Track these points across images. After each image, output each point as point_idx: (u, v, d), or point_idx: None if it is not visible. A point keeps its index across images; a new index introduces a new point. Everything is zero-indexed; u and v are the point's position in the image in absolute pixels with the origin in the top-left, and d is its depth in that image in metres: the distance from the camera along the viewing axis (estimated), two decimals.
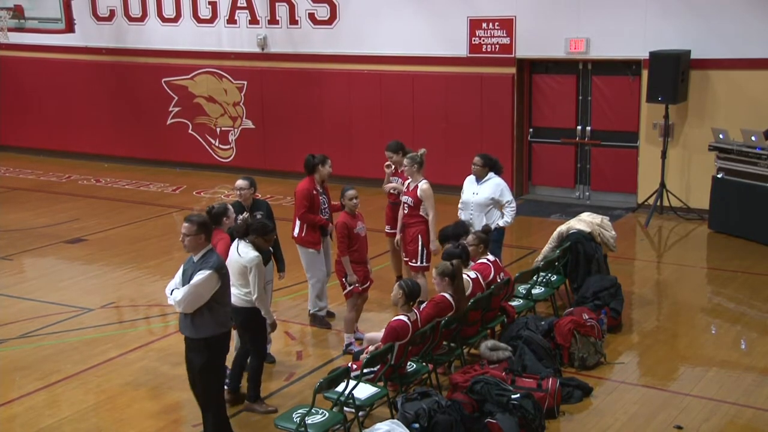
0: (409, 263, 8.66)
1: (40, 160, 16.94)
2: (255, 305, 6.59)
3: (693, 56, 11.99)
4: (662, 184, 12.23)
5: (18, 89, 17.30)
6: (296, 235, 8.46)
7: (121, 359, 7.93)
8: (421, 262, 8.57)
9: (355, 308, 7.95)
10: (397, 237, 8.85)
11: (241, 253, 6.60)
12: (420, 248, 8.57)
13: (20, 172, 16.18)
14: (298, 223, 8.42)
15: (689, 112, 12.25)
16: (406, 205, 8.64)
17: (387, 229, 9.43)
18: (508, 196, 8.66)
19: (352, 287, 7.83)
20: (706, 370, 7.58)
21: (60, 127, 16.97)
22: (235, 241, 6.72)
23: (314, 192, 8.34)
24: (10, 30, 15.23)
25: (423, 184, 8.54)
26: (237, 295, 6.55)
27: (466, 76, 13.47)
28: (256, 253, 6.59)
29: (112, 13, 16.12)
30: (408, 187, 8.70)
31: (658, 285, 10.15)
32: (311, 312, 8.66)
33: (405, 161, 8.65)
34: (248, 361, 6.94)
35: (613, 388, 7.22)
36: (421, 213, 8.56)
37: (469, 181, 8.82)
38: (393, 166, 9.20)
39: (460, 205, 8.88)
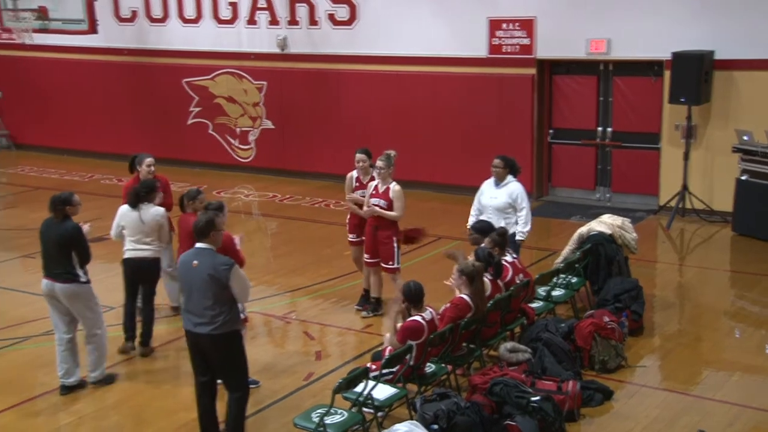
0: (383, 265, 8.59)
1: (63, 159, 17.09)
2: (159, 256, 7.89)
3: (717, 57, 11.87)
4: (684, 186, 12.12)
5: (42, 89, 17.46)
6: None
7: (139, 357, 7.97)
8: (397, 264, 8.54)
9: None
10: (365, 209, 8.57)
11: (149, 215, 7.79)
12: (395, 250, 8.52)
13: (43, 172, 16.33)
14: None
15: (712, 113, 12.13)
16: (377, 207, 8.47)
17: (351, 237, 9.05)
18: (523, 203, 8.51)
19: None
20: (730, 374, 7.50)
21: (82, 126, 17.10)
22: (132, 212, 7.80)
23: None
24: (34, 31, 15.39)
25: (395, 186, 8.46)
26: (150, 249, 7.84)
27: (485, 76, 13.42)
28: (161, 208, 7.91)
29: (134, 14, 16.23)
30: (377, 189, 8.54)
31: (680, 288, 10.06)
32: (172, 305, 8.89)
33: (381, 162, 8.44)
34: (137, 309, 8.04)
35: (635, 392, 7.16)
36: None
37: (488, 185, 8.72)
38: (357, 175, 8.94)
39: (474, 211, 8.72)
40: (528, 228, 8.55)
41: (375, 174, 8.60)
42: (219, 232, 6.14)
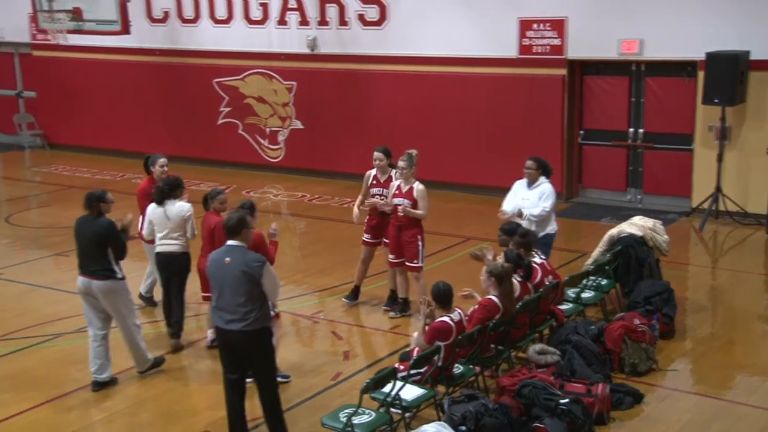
0: (408, 264, 8.58)
1: (95, 158, 17.29)
2: (187, 250, 8.01)
3: (752, 57, 11.69)
4: (718, 188, 11.97)
5: (75, 89, 17.69)
6: (139, 231, 8.74)
7: (172, 355, 8.04)
8: (421, 262, 8.56)
9: None
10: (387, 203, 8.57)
11: (174, 210, 7.99)
12: (420, 249, 8.53)
13: (76, 171, 16.54)
14: (140, 220, 8.70)
15: (747, 114, 11.95)
16: (400, 207, 8.45)
17: (366, 237, 9.02)
18: (546, 201, 8.40)
19: None
20: (763, 379, 7.38)
21: (115, 126, 17.30)
22: (158, 209, 8.03)
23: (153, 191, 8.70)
24: (68, 32, 15.57)
25: (419, 185, 8.47)
26: (177, 243, 8.02)
27: (515, 77, 13.36)
28: (187, 204, 8.10)
29: (166, 14, 16.39)
30: (400, 188, 8.53)
31: (713, 291, 9.93)
32: (143, 294, 9.09)
33: (403, 162, 8.45)
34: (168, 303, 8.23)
35: (666, 396, 7.07)
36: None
37: (520, 185, 8.62)
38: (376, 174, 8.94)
39: (508, 205, 8.60)
40: (536, 215, 8.31)
41: (398, 174, 8.58)
42: (250, 230, 6.20)
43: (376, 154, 8.84)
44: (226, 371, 6.24)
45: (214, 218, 7.72)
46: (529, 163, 8.56)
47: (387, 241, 8.86)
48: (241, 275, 5.95)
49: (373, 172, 8.93)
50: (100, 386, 7.32)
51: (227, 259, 6.02)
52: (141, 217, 8.63)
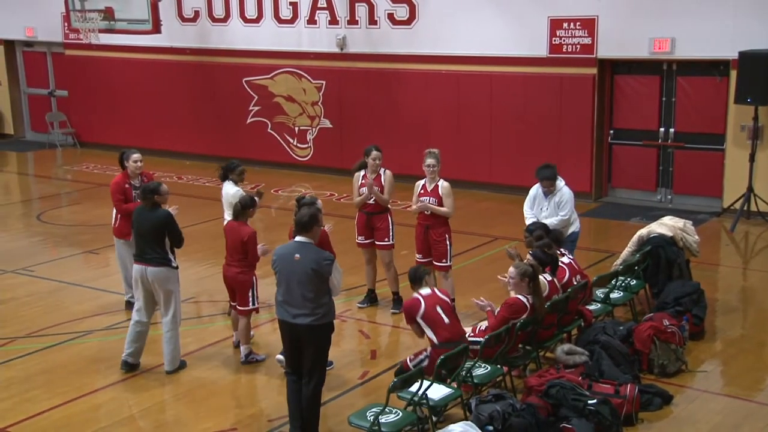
0: (436, 263, 8.57)
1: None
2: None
3: None
4: (750, 188, 11.81)
5: (106, 88, 17.91)
6: (113, 226, 8.95)
7: (200, 353, 8.11)
8: (449, 261, 8.58)
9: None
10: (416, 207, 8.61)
11: (227, 192, 8.62)
12: (448, 247, 8.55)
13: (107, 169, 16.70)
14: (113, 214, 8.91)
15: None
16: (422, 204, 8.50)
17: (360, 240, 9.07)
18: (564, 209, 8.45)
19: (257, 305, 7.89)
20: None
21: (145, 125, 17.47)
22: (221, 185, 8.72)
23: (126, 186, 8.81)
24: (100, 31, 15.76)
25: (444, 183, 8.53)
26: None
27: (545, 76, 13.29)
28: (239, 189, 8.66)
29: (197, 14, 16.53)
30: (425, 187, 8.56)
31: (744, 292, 9.81)
32: (127, 299, 8.98)
33: (432, 160, 8.49)
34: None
35: (695, 397, 7.00)
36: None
37: (539, 193, 8.64)
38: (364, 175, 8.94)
39: (528, 213, 8.65)
40: (554, 225, 8.33)
41: (427, 172, 8.56)
42: (320, 227, 6.32)
43: (376, 153, 8.84)
44: (288, 365, 6.31)
45: (245, 230, 7.72)
46: (544, 182, 8.56)
47: (379, 243, 8.93)
48: (312, 273, 6.06)
49: (362, 171, 8.96)
50: (129, 367, 7.47)
51: (297, 255, 6.10)
52: (114, 211, 8.91)
